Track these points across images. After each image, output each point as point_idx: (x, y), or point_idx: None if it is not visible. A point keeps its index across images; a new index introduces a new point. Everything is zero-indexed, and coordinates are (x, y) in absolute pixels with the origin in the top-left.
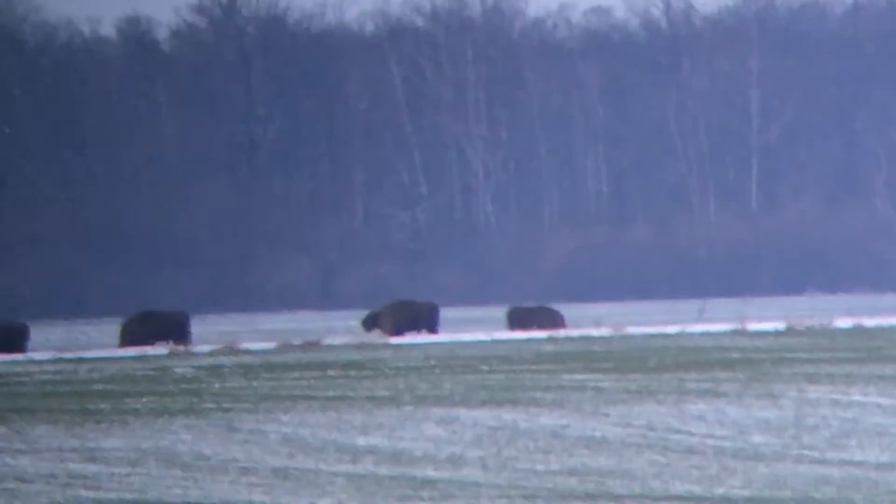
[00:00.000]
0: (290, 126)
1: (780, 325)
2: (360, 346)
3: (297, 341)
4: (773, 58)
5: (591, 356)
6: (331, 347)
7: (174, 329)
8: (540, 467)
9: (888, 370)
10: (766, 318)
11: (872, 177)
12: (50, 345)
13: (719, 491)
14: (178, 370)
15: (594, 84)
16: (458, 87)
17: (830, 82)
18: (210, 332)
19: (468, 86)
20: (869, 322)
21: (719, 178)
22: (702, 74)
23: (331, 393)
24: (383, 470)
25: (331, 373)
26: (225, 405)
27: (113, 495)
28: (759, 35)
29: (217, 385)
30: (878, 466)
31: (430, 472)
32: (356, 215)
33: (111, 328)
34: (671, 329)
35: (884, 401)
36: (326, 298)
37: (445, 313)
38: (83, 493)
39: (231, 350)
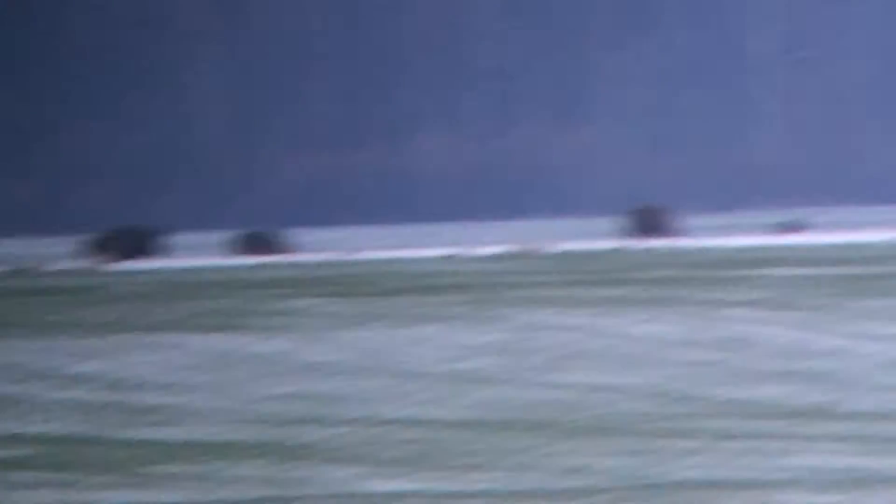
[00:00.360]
0: None
1: (505, 248)
2: (84, 272)
3: (13, 267)
4: None
5: (323, 280)
6: (51, 273)
7: None
8: (268, 392)
9: (606, 292)
10: (490, 241)
11: (596, 99)
12: None
13: (446, 413)
14: None
15: (325, 5)
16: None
17: (561, 6)
18: None
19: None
20: (590, 244)
21: (447, 101)
22: None
23: (50, 318)
24: (100, 397)
25: (49, 298)
26: None
27: None
28: None
29: None
30: (596, 388)
31: (152, 399)
32: (81, 137)
33: None
34: (400, 252)
35: (603, 323)
36: (49, 223)
37: (175, 238)
38: None
39: None
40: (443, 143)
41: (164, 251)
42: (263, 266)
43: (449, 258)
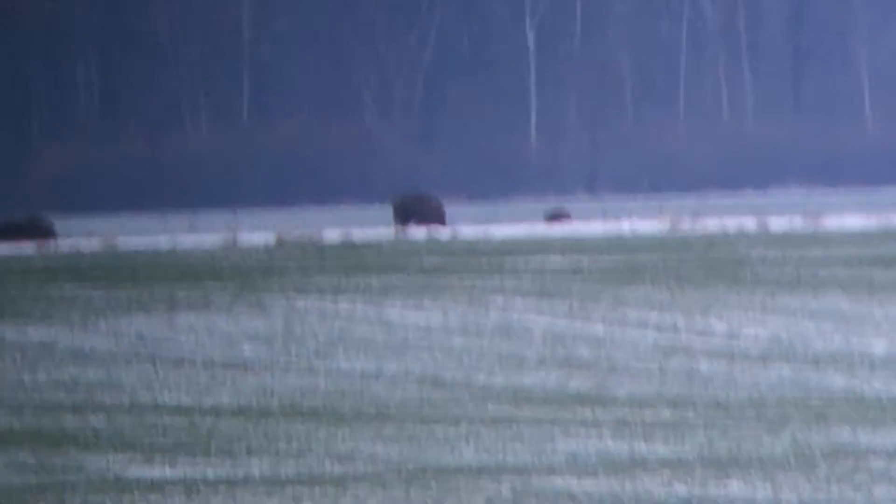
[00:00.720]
0: None
1: (271, 237)
2: None
3: None
4: None
5: (81, 268)
6: None
7: None
8: (27, 380)
9: (373, 281)
10: (257, 229)
11: (362, 92)
12: None
13: (208, 401)
14: None
15: None
16: None
17: None
18: None
19: None
20: (357, 233)
21: (211, 90)
22: None
23: None
24: None
25: None
26: None
27: None
28: None
29: None
30: (364, 375)
31: None
32: None
33: None
34: (163, 241)
35: (369, 310)
36: None
37: None
38: None
39: None
40: (207, 132)
41: None
42: (23, 254)
43: (217, 246)
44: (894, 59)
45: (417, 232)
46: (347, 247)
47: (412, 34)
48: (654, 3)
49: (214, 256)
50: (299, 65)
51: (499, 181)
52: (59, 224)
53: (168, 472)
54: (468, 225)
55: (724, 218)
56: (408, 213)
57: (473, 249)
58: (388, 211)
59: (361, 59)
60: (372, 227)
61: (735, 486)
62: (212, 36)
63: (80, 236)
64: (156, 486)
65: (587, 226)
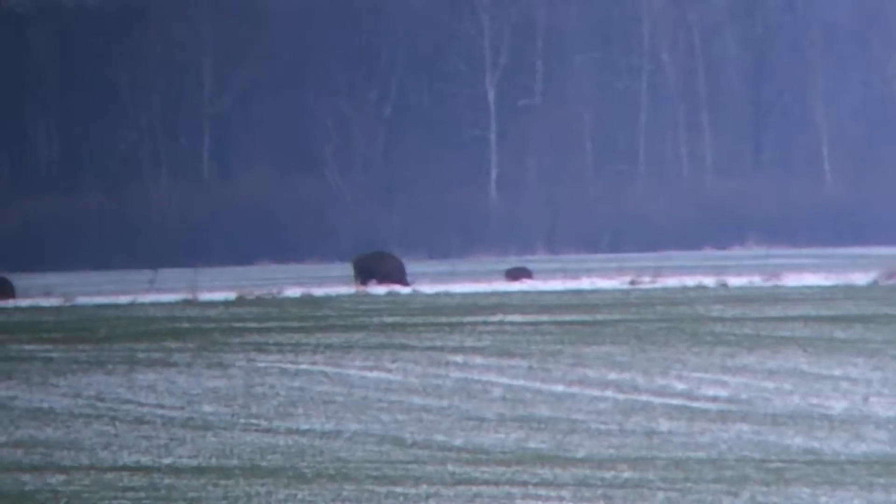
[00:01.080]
0: None
1: (231, 295)
2: None
3: None
4: (227, 26)
5: (40, 326)
6: None
7: None
8: None
9: (334, 339)
10: (217, 287)
11: (322, 147)
12: None
13: (167, 461)
14: None
15: (44, 49)
16: None
17: (283, 52)
18: None
19: None
20: (317, 291)
21: (171, 145)
22: (155, 42)
23: None
24: None
25: None
26: None
27: None
28: (212, 3)
29: None
30: (324, 434)
31: None
32: None
33: None
34: (122, 299)
35: (330, 369)
36: None
37: None
38: None
39: None
40: (166, 187)
41: None
42: None
43: (174, 304)
44: (853, 116)
45: (378, 290)
46: (308, 305)
47: (372, 90)
48: (614, 59)
49: (174, 314)
50: (260, 120)
51: (459, 238)
52: (17, 281)
53: None
54: (429, 283)
55: (683, 276)
56: (368, 270)
57: (434, 307)
58: (348, 268)
59: (322, 114)
60: (333, 284)
61: None
62: (172, 90)
63: (38, 293)
64: None
65: (547, 284)
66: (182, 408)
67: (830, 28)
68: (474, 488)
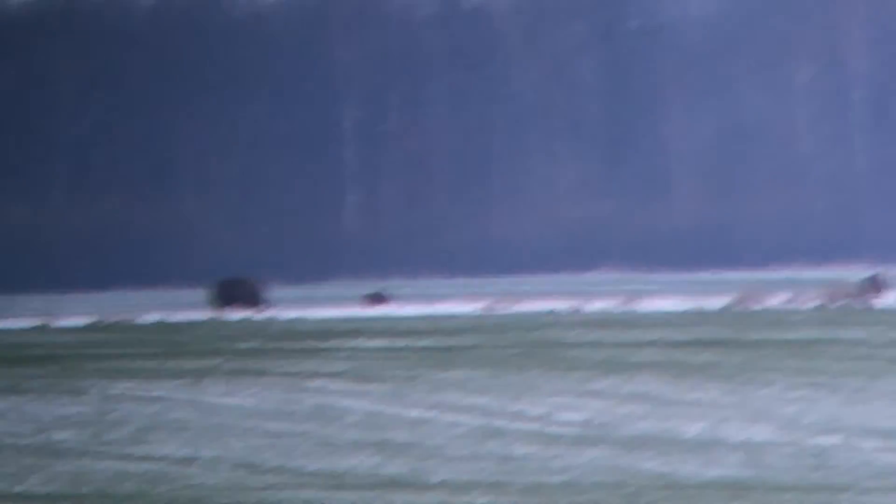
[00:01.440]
0: None
1: (87, 321)
2: None
3: None
4: (84, 50)
5: None
6: None
7: None
8: None
9: (190, 364)
10: (73, 312)
11: (180, 171)
12: None
13: (19, 489)
14: None
15: None
16: None
17: (142, 76)
18: None
19: None
20: (174, 317)
21: (23, 170)
22: (8, 65)
23: None
24: None
25: None
26: None
27: None
28: (68, 27)
29: None
30: (178, 461)
31: None
32: None
33: None
34: None
35: (185, 395)
36: None
37: None
38: None
39: None
40: (22, 212)
41: None
42: None
43: (30, 329)
44: (708, 142)
45: (235, 315)
46: (164, 330)
47: (231, 110)
48: (470, 84)
49: (28, 340)
50: (116, 143)
51: (317, 263)
52: None
53: None
54: (286, 307)
55: (539, 301)
56: (226, 295)
57: (291, 332)
58: (205, 294)
59: (178, 138)
60: (189, 309)
61: None
62: (24, 112)
63: None
64: None
65: (405, 308)
66: (34, 435)
67: (686, 54)
68: None
